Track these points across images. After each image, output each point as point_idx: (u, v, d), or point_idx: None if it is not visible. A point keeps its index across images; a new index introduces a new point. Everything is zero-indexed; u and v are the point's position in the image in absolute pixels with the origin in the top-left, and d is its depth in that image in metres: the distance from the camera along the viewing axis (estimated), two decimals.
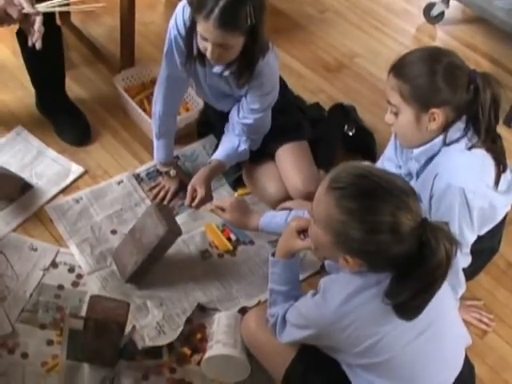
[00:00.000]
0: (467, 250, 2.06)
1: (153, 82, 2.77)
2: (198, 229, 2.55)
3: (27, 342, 2.14)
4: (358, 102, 3.12)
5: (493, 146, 1.99)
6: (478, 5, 3.53)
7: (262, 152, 2.63)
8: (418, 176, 2.10)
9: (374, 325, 1.68)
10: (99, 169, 2.73)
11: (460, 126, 1.98)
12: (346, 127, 2.91)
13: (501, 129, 2.06)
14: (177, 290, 2.34)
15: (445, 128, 1.98)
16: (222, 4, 2.02)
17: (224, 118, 2.60)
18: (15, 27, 2.47)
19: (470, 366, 1.91)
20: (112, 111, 2.97)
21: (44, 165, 2.70)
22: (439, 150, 2.00)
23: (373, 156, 2.78)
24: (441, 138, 1.99)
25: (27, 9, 2.15)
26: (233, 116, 2.54)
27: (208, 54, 2.17)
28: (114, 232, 2.50)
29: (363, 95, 3.26)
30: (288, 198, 2.54)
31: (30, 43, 2.19)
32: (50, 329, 2.19)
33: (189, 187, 2.47)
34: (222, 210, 2.35)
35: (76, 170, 2.70)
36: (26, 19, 2.19)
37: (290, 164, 2.57)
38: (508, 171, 2.06)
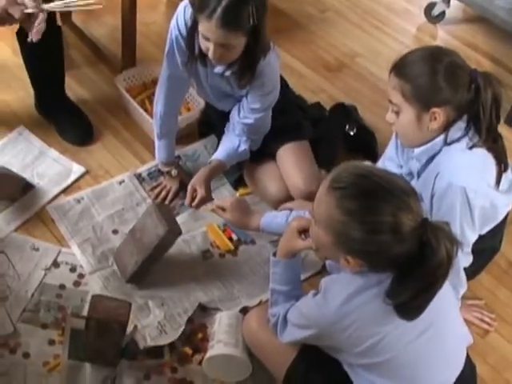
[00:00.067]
0: (468, 249, 2.06)
1: (154, 82, 2.76)
2: (199, 229, 2.56)
3: (29, 342, 2.14)
4: (359, 102, 3.12)
5: (494, 145, 2.00)
6: (479, 4, 3.53)
7: (263, 152, 2.63)
8: (419, 175, 2.10)
9: (375, 325, 1.68)
10: (101, 169, 2.73)
11: (461, 125, 1.98)
12: (347, 127, 2.91)
13: (502, 128, 2.05)
14: (178, 290, 2.34)
15: (446, 127, 1.98)
16: (225, 4, 2.02)
17: (225, 117, 2.61)
18: (16, 26, 2.48)
19: (471, 366, 1.91)
20: (113, 111, 2.97)
21: (45, 165, 2.70)
22: (440, 150, 2.00)
23: (374, 155, 2.77)
24: (442, 137, 1.99)
25: (32, 8, 2.15)
26: (233, 116, 2.54)
27: (210, 54, 2.17)
28: (115, 232, 2.50)
29: (364, 95, 3.26)
30: (289, 197, 2.54)
31: (29, 39, 2.19)
32: (51, 328, 2.19)
33: (189, 187, 2.47)
34: (223, 209, 2.36)
35: (77, 169, 2.70)
36: (29, 19, 2.20)
37: (291, 164, 2.57)
38: (509, 170, 2.06)
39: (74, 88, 3.03)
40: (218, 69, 2.34)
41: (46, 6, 2.20)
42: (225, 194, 2.70)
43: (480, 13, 3.64)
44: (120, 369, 2.10)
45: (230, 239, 2.52)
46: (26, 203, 2.54)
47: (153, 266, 2.31)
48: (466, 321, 2.15)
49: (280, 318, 1.91)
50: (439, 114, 1.94)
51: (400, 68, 1.96)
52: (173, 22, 2.32)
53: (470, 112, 1.96)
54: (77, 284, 2.33)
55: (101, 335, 1.99)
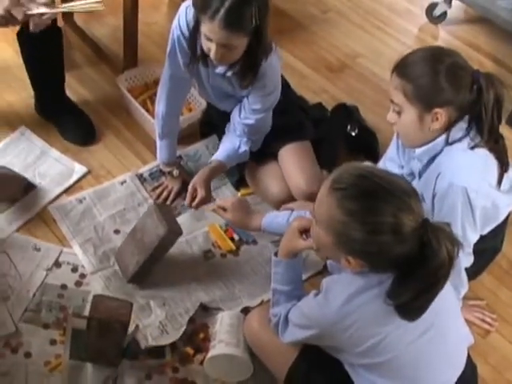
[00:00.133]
0: (470, 249, 2.06)
1: (156, 83, 2.77)
2: (201, 229, 2.56)
3: (30, 342, 2.15)
4: (361, 102, 3.12)
5: (495, 145, 2.00)
6: (481, 5, 3.53)
7: (264, 152, 2.64)
8: (420, 176, 2.10)
9: (376, 325, 1.68)
10: (102, 169, 2.73)
11: (462, 125, 1.98)
12: (348, 127, 2.91)
13: (503, 129, 2.05)
14: (180, 290, 2.34)
15: (447, 127, 1.98)
16: (228, 5, 2.03)
17: (227, 118, 2.61)
18: (17, 27, 2.49)
19: (472, 366, 1.91)
20: (115, 111, 2.98)
21: (47, 165, 2.70)
22: (441, 150, 2.00)
23: (375, 156, 2.78)
24: (443, 137, 1.99)
25: (44, 8, 2.18)
26: (234, 116, 2.54)
27: (212, 55, 2.17)
28: (117, 232, 2.50)
29: (366, 95, 3.26)
30: (291, 198, 2.54)
31: (31, 27, 2.21)
32: (53, 328, 2.19)
33: (189, 187, 2.48)
34: (224, 209, 2.36)
35: (79, 169, 2.70)
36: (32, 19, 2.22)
37: (292, 164, 2.57)
38: (510, 171, 2.06)
39: (76, 88, 3.04)
40: (220, 69, 2.34)
41: (54, 10, 2.22)
42: (226, 194, 2.70)
43: (482, 13, 3.64)
44: (121, 369, 2.10)
45: (232, 239, 2.53)
46: (27, 203, 2.55)
47: (154, 266, 2.31)
48: (467, 321, 2.15)
49: (281, 318, 1.91)
50: (441, 115, 1.94)
51: (402, 68, 1.96)
52: (175, 23, 2.32)
53: (472, 112, 1.96)
54: (78, 284, 2.33)
55: (102, 335, 2.00)
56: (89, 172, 2.71)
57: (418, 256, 1.57)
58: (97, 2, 2.26)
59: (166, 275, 2.37)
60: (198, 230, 2.55)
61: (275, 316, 1.95)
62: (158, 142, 2.61)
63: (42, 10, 2.22)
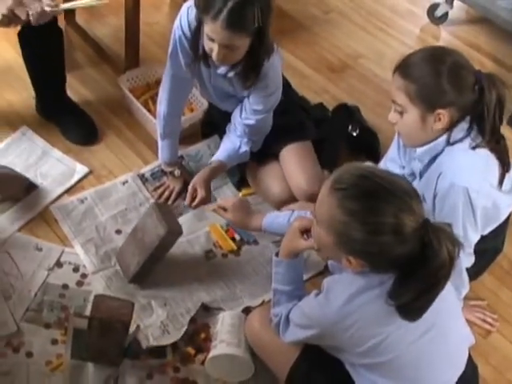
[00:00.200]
0: (471, 249, 2.06)
1: (157, 83, 2.77)
2: (202, 229, 2.56)
3: (32, 341, 2.15)
4: (362, 103, 3.12)
5: (497, 146, 2.00)
6: (482, 5, 3.54)
7: (265, 152, 2.64)
8: (421, 176, 2.10)
9: (377, 325, 1.68)
10: (104, 169, 2.74)
11: (464, 125, 1.98)
12: (349, 127, 2.91)
13: (504, 129, 2.05)
14: (181, 290, 2.34)
15: (449, 128, 1.98)
16: (230, 5, 2.03)
17: (228, 118, 2.61)
18: (18, 27, 2.50)
19: (473, 366, 1.91)
20: (117, 111, 2.98)
21: (49, 165, 2.71)
22: (442, 150, 2.00)
23: (377, 156, 2.78)
24: (444, 137, 1.99)
25: (48, 8, 2.19)
26: (235, 116, 2.54)
27: (214, 55, 2.17)
28: (118, 232, 2.50)
29: (367, 96, 3.26)
30: (292, 198, 2.55)
31: (32, 20, 2.23)
32: (54, 328, 2.19)
33: (189, 187, 2.48)
34: (225, 209, 2.36)
35: (81, 170, 2.71)
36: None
37: (294, 164, 2.58)
38: None
39: (78, 88, 3.04)
40: (222, 70, 2.35)
41: (63, 6, 2.24)
42: (227, 194, 2.70)
43: (482, 14, 3.64)
44: (123, 368, 2.10)
45: (233, 239, 2.53)
46: (29, 203, 2.55)
47: (155, 266, 2.31)
48: (468, 321, 2.15)
49: (282, 318, 1.91)
50: (444, 115, 1.94)
51: (404, 68, 1.96)
52: (176, 23, 2.32)
53: (474, 113, 1.96)
54: (80, 284, 2.33)
55: (103, 335, 2.00)
56: (90, 172, 2.71)
57: (418, 256, 1.57)
58: None
59: (167, 275, 2.37)
60: (200, 230, 2.55)
61: (276, 316, 1.95)
62: (160, 142, 2.62)
63: (47, 9, 2.23)
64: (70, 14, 3.26)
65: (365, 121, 3.00)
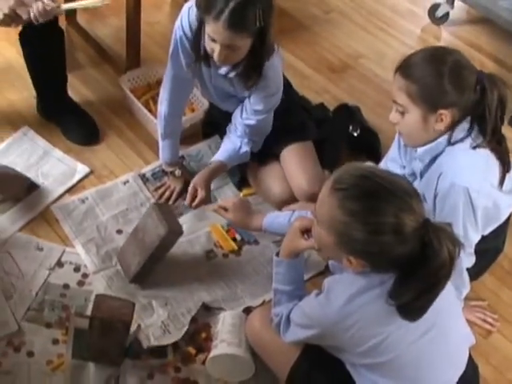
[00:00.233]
0: (471, 249, 2.06)
1: (158, 83, 2.77)
2: (203, 229, 2.56)
3: (33, 341, 2.15)
4: (363, 103, 3.12)
5: (497, 146, 2.00)
6: (483, 5, 3.53)
7: (266, 152, 2.64)
8: (421, 176, 2.10)
9: (377, 325, 1.69)
10: (105, 169, 2.74)
11: (465, 125, 1.98)
12: (350, 128, 2.91)
13: (505, 129, 2.06)
14: (182, 290, 2.35)
15: (451, 128, 1.98)
16: (232, 6, 2.03)
17: (229, 118, 2.61)
18: (19, 27, 2.50)
19: (473, 366, 1.91)
20: (118, 112, 2.98)
21: (50, 165, 2.71)
22: (443, 150, 2.00)
23: (377, 156, 2.77)
24: (445, 137, 1.99)
25: (50, 5, 2.19)
26: (236, 117, 2.55)
27: (215, 56, 2.18)
28: (119, 232, 2.51)
29: (368, 96, 3.27)
30: (293, 198, 2.55)
31: (32, 17, 2.24)
32: (55, 328, 2.20)
33: (190, 187, 2.49)
34: (225, 209, 2.36)
35: (82, 169, 2.71)
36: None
37: (294, 164, 2.58)
38: None
39: (79, 88, 3.04)
40: (223, 70, 2.35)
41: (65, 6, 2.25)
42: (228, 194, 2.71)
43: (484, 14, 3.64)
44: (123, 368, 2.10)
45: (234, 239, 2.53)
46: (30, 203, 2.55)
47: (156, 266, 2.32)
48: (469, 321, 2.15)
49: (283, 318, 1.91)
50: (446, 116, 1.94)
51: (405, 69, 1.96)
52: (177, 23, 2.33)
53: (475, 113, 1.97)
54: (81, 283, 2.33)
55: (104, 334, 2.00)
56: (91, 172, 2.72)
57: (419, 256, 1.57)
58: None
59: (168, 275, 2.37)
60: (200, 229, 2.55)
61: (277, 316, 1.95)
62: (161, 142, 2.62)
63: (48, 9, 2.24)
64: (71, 14, 3.26)
65: (365, 121, 3.00)
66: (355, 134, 2.90)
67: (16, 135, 2.80)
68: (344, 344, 1.76)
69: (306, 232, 1.90)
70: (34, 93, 2.85)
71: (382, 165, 2.30)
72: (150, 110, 2.85)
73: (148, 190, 2.68)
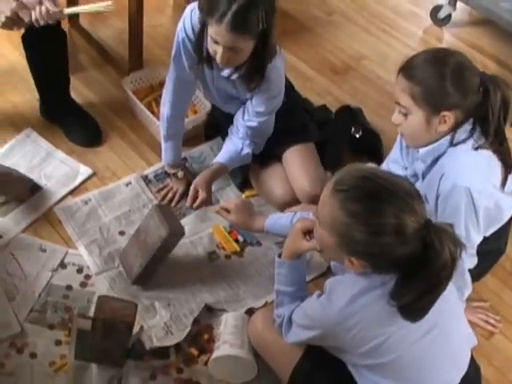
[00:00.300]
0: (473, 250, 2.06)
1: (161, 85, 2.77)
2: (205, 230, 2.56)
3: (36, 342, 2.15)
4: (365, 104, 3.12)
5: (500, 147, 2.00)
6: (485, 7, 3.54)
7: (268, 154, 2.64)
8: (423, 177, 2.10)
9: (379, 325, 1.69)
10: (107, 170, 2.74)
11: (467, 127, 1.98)
12: (352, 129, 2.91)
13: (507, 131, 2.06)
14: (184, 291, 2.35)
15: (453, 129, 1.98)
16: (235, 8, 2.03)
17: (231, 120, 2.61)
18: (22, 30, 2.51)
19: (475, 367, 1.91)
20: (120, 113, 2.99)
21: (53, 166, 2.72)
22: (445, 151, 2.00)
23: (379, 158, 2.77)
24: (447, 138, 1.99)
25: (52, 9, 2.20)
26: (237, 118, 2.55)
27: (218, 58, 2.18)
28: (122, 233, 2.51)
29: (370, 97, 3.27)
30: (295, 200, 2.55)
31: (33, 20, 2.25)
32: (58, 329, 2.20)
33: (191, 188, 2.49)
34: (227, 211, 2.37)
35: (84, 171, 2.71)
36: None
37: (297, 166, 2.58)
38: None
39: (81, 90, 3.05)
40: (225, 72, 2.35)
41: (67, 11, 2.26)
42: (230, 195, 2.71)
43: (485, 15, 3.65)
44: (126, 369, 2.11)
45: (236, 241, 2.53)
46: (33, 204, 2.56)
47: (158, 267, 2.32)
48: (471, 322, 2.15)
49: (285, 319, 1.91)
50: (449, 118, 1.94)
51: (408, 70, 1.96)
52: (180, 25, 2.33)
53: (478, 114, 1.97)
54: (83, 285, 2.34)
55: (107, 336, 2.00)
56: (94, 173, 2.72)
57: (420, 257, 1.57)
58: (107, 5, 2.30)
59: (170, 276, 2.37)
60: (203, 231, 2.56)
61: (279, 317, 1.95)
62: (163, 144, 2.62)
63: (51, 13, 2.24)
64: (73, 16, 3.27)
65: (368, 122, 3.00)
66: (357, 136, 2.90)
67: (19, 137, 2.81)
68: (345, 345, 1.76)
69: (308, 233, 1.91)
70: (36, 95, 2.85)
71: (384, 166, 2.30)
72: (152, 112, 2.85)
73: (150, 192, 2.68)
